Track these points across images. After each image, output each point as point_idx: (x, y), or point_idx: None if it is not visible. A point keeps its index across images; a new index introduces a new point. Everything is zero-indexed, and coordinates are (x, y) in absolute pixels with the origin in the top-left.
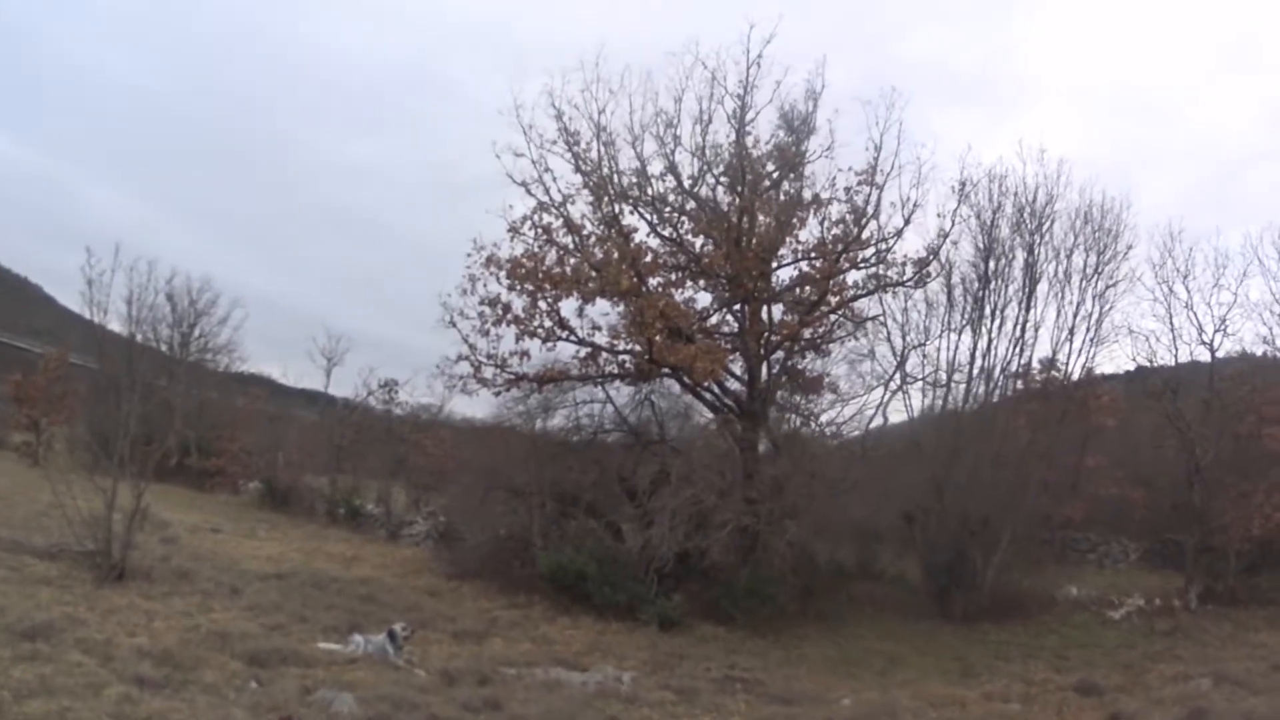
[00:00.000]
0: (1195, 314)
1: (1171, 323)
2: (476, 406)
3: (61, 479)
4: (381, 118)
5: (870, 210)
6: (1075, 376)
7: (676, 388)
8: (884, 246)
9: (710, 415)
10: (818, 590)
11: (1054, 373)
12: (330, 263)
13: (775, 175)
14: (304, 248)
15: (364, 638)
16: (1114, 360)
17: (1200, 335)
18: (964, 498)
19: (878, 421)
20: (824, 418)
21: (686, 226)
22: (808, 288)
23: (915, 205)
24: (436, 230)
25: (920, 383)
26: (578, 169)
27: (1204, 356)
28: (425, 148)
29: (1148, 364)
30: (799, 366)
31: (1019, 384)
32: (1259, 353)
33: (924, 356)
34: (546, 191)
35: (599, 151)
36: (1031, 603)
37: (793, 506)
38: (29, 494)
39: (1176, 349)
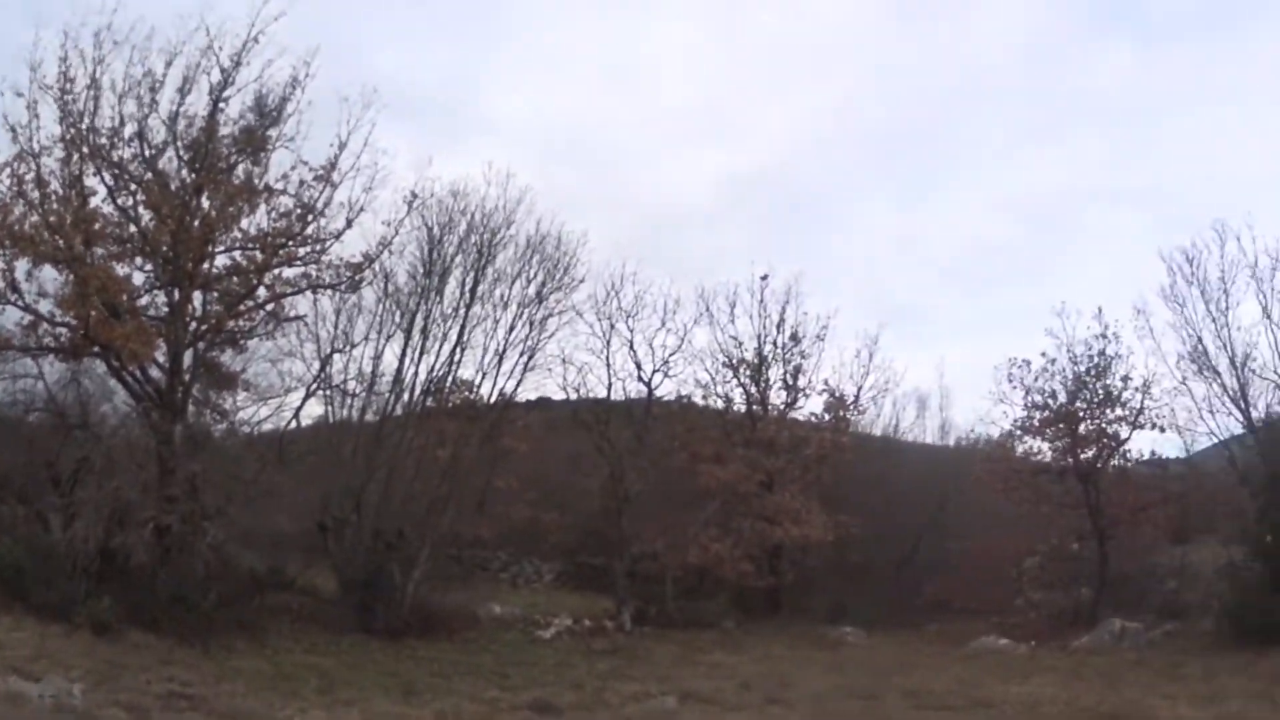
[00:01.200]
0: (635, 352)
1: (609, 358)
2: None
3: None
4: None
5: (320, 208)
6: (500, 397)
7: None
8: (320, 247)
9: (133, 403)
10: (239, 598)
11: (473, 394)
12: None
13: (234, 158)
14: None
15: None
16: (543, 388)
17: (639, 373)
18: (381, 510)
19: (295, 425)
20: (242, 415)
21: (141, 198)
22: (240, 278)
23: (361, 209)
24: None
25: (341, 390)
26: (62, 120)
27: (640, 392)
28: None
29: (577, 394)
30: (218, 359)
31: (446, 401)
32: (696, 396)
33: (348, 363)
34: (31, 139)
35: (85, 105)
36: (454, 619)
37: (213, 507)
38: None
39: (610, 382)
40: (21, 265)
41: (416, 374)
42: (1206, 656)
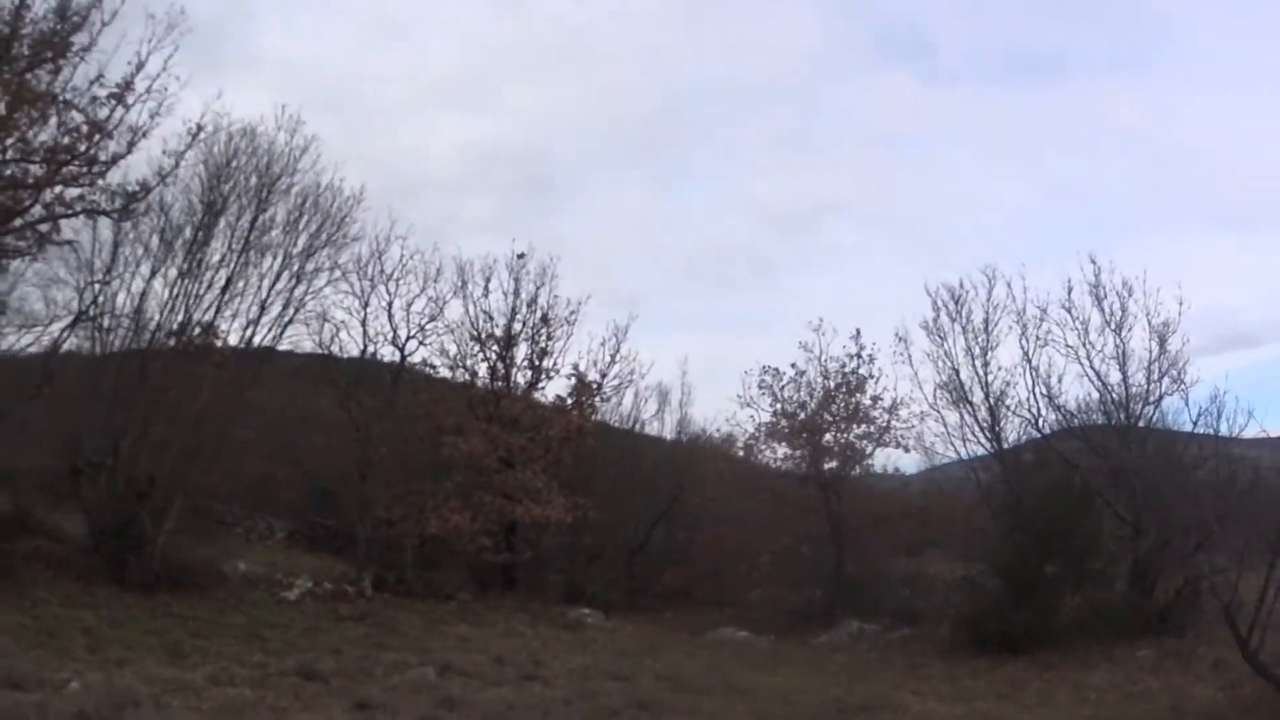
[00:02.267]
0: (392, 317)
1: (365, 319)
2: None
3: None
4: None
5: (111, 128)
6: (255, 349)
7: None
8: (102, 169)
9: None
10: None
11: (223, 341)
12: None
13: (28, 58)
14: None
15: None
16: (294, 341)
17: (394, 337)
18: (134, 456)
19: (53, 357)
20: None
21: None
22: (14, 192)
23: (145, 134)
24: None
25: (104, 323)
26: None
27: (394, 357)
28: None
29: (328, 352)
30: None
31: (207, 347)
32: (444, 367)
33: (114, 295)
34: None
35: None
36: (203, 575)
37: None
38: None
39: (365, 345)
40: None
41: (188, 316)
42: (946, 660)
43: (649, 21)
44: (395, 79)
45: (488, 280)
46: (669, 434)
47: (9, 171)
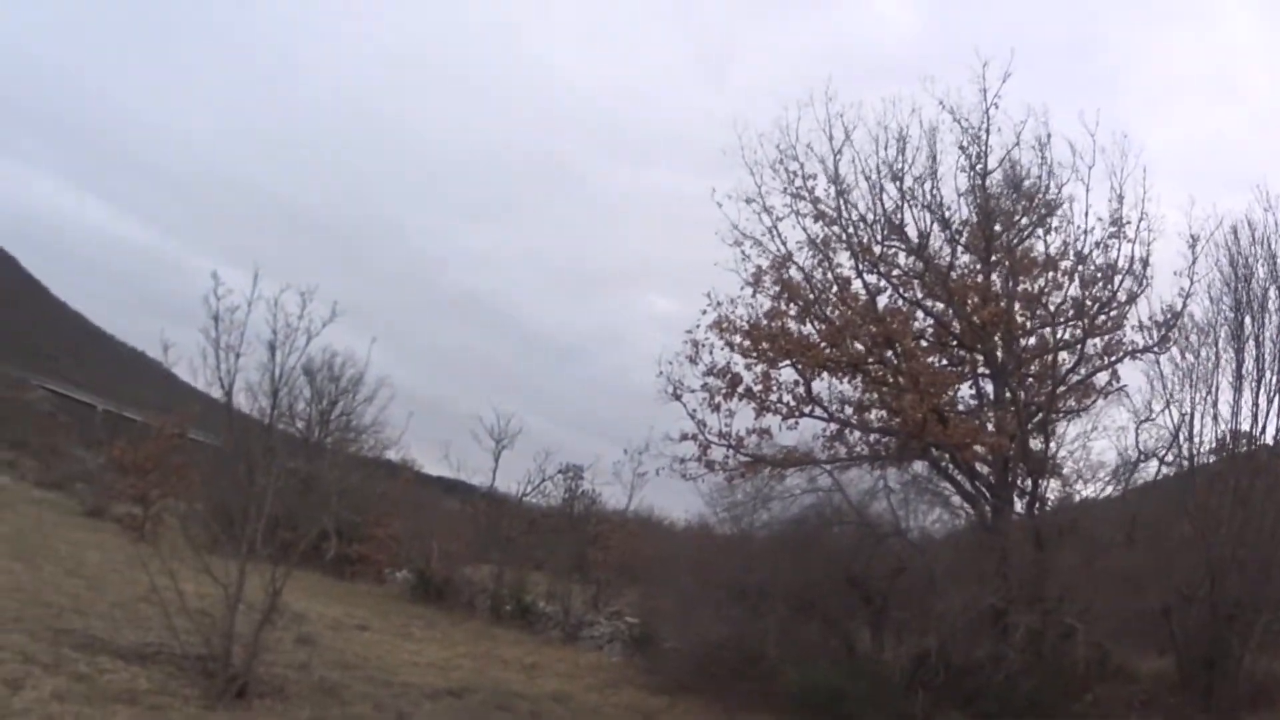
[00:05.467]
0: None
1: None
2: (666, 499)
3: (168, 559)
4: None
5: (1124, 267)
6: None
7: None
8: (1120, 309)
9: (957, 502)
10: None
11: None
12: (453, 350)
13: (1024, 229)
14: (426, 335)
15: None
16: None
17: None
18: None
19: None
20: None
21: (921, 289)
22: (1050, 356)
23: (1146, 261)
24: (566, 323)
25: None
26: (818, 218)
27: None
28: (546, 236)
29: None
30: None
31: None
32: None
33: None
34: (783, 243)
35: (836, 200)
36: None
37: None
38: (126, 575)
39: None
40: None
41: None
42: None
43: None
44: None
45: None
46: None
47: (1040, 339)
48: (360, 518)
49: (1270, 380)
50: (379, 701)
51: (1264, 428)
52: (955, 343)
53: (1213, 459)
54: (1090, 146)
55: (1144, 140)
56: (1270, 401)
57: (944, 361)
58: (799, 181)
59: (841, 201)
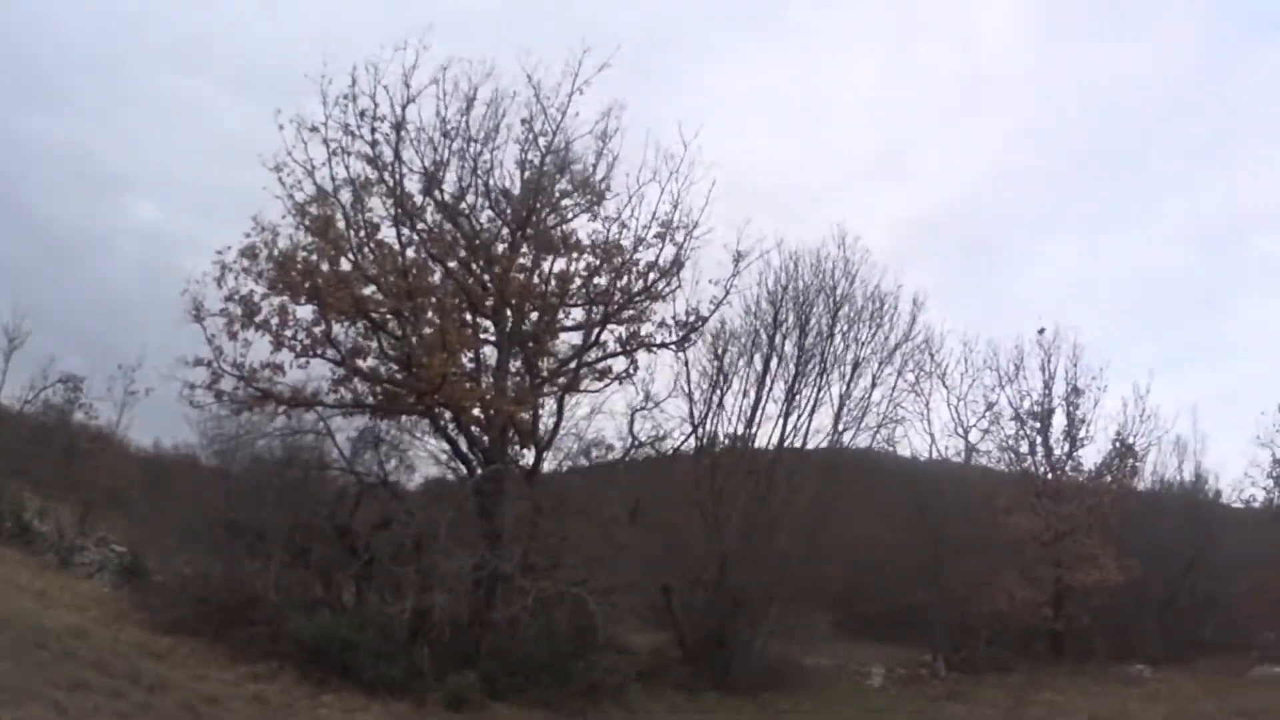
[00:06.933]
0: (956, 410)
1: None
2: (161, 423)
3: None
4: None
5: (664, 266)
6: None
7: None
8: (648, 305)
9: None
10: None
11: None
12: None
13: (574, 209)
14: None
15: None
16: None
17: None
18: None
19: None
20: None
21: (463, 252)
22: (580, 335)
23: (680, 265)
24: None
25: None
26: (372, 161)
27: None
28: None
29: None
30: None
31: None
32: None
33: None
34: (333, 179)
35: (395, 147)
36: (800, 672)
37: (580, 569)
38: None
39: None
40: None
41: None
42: None
43: (1034, 60)
44: (815, 163)
45: (1019, 360)
46: (1187, 484)
47: (570, 319)
48: None
49: (800, 390)
50: None
51: (772, 433)
52: (473, 306)
53: (724, 456)
54: (658, 151)
55: (719, 155)
56: (782, 411)
57: (465, 323)
58: (365, 123)
59: (397, 149)
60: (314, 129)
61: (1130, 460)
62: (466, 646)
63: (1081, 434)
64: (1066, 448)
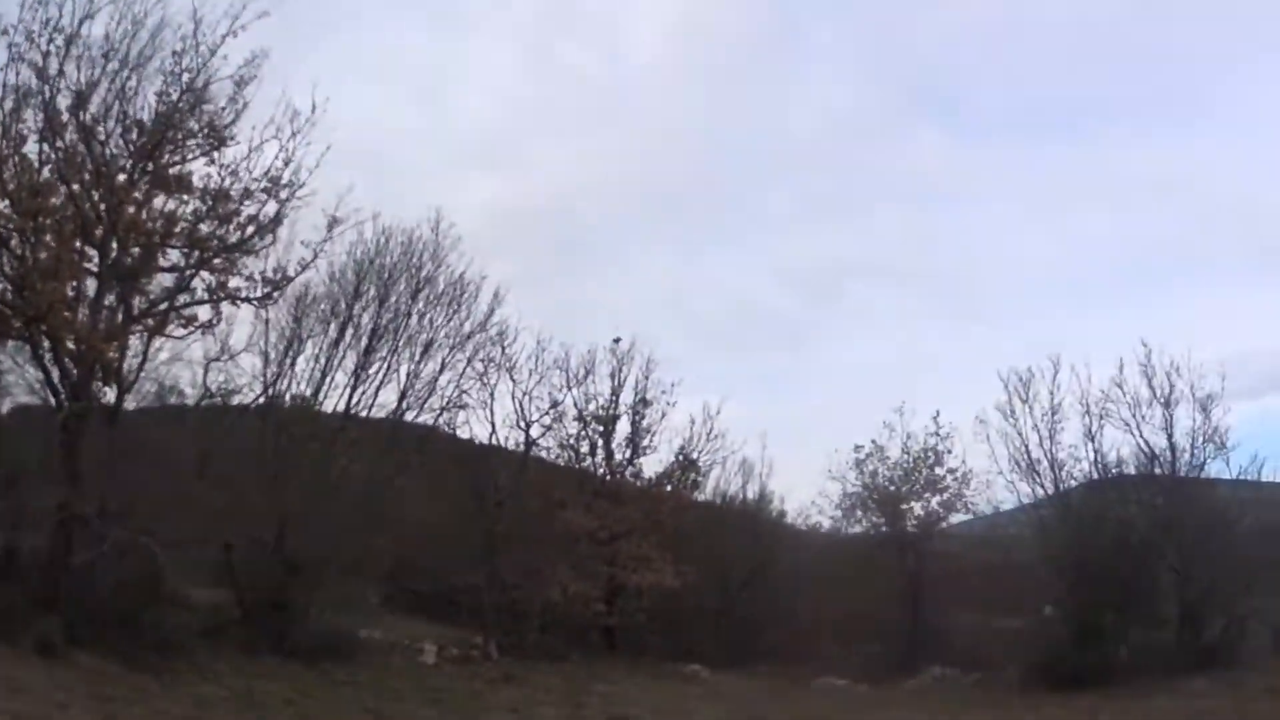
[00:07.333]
0: (518, 402)
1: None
2: None
3: None
4: None
5: (262, 222)
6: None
7: None
8: (239, 257)
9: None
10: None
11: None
12: None
13: (195, 150)
14: None
15: None
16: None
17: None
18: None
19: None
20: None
21: (88, 177)
22: (170, 278)
23: (278, 223)
24: None
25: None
26: (40, 73)
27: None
28: None
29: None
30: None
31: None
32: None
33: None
34: (3, 85)
35: (60, 62)
36: (349, 644)
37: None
38: None
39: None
40: None
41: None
42: (1024, 697)
43: (677, 82)
44: (425, 139)
45: (591, 366)
46: (751, 503)
47: (168, 260)
48: None
49: (371, 364)
50: None
51: (339, 401)
52: (85, 234)
53: (291, 418)
54: (286, 107)
55: (346, 119)
56: (351, 382)
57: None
58: (45, 32)
59: (62, 64)
60: (4, 31)
61: (692, 474)
62: (50, 590)
63: (645, 442)
64: (629, 453)
